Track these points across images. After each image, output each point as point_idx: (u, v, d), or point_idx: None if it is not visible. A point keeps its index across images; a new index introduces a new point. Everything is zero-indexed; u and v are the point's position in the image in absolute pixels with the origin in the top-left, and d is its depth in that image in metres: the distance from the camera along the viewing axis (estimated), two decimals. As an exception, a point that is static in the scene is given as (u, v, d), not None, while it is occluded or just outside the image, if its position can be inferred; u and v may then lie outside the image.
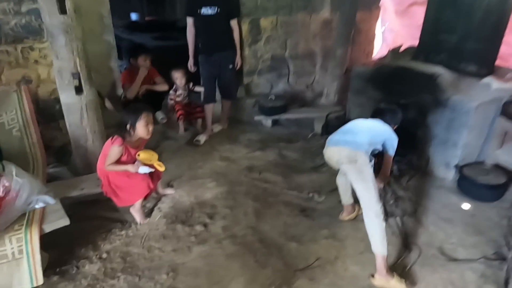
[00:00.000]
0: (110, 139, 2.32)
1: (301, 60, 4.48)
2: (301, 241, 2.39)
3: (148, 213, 2.63)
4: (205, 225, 2.53)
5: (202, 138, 3.63)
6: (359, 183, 2.12)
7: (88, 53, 2.60)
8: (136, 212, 2.50)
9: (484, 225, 2.47)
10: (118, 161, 2.32)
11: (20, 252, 1.90)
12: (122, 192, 2.40)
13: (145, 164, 2.39)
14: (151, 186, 2.45)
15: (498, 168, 2.76)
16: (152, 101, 3.71)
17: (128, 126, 2.26)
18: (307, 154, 3.50)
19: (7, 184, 2.04)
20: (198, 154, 3.44)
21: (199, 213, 2.64)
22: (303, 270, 2.15)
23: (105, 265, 2.17)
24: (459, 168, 2.77)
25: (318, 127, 3.90)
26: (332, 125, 3.63)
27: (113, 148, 2.26)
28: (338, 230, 2.48)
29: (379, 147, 2.36)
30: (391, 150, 2.37)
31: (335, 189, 2.64)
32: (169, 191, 2.82)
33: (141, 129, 2.27)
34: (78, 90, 2.50)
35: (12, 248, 1.89)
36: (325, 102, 4.32)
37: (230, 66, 3.67)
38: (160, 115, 3.82)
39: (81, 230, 2.40)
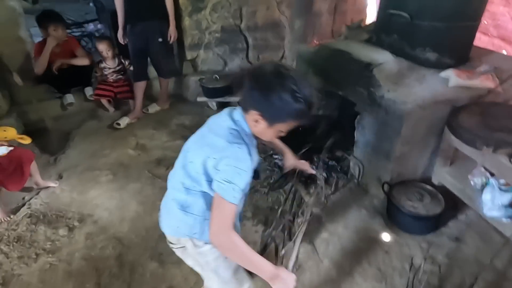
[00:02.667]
0: None
1: (263, 32, 3.83)
2: (165, 262, 2.00)
3: (18, 208, 2.37)
4: (70, 229, 2.22)
5: (124, 121, 3.26)
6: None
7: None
8: None
9: (395, 266, 1.92)
10: None
11: None
12: None
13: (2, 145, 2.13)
14: None
15: (440, 191, 2.13)
16: (78, 76, 3.38)
17: None
18: None
19: None
20: (111, 139, 3.08)
21: (73, 214, 2.33)
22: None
23: None
24: (389, 187, 2.18)
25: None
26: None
27: None
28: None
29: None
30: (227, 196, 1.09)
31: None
32: (51, 183, 2.53)
33: None
34: None
35: None
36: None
37: (160, 39, 3.17)
38: (89, 91, 3.47)
39: None
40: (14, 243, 2.13)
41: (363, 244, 2.06)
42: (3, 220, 2.25)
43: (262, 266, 1.11)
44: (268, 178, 2.59)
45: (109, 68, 3.35)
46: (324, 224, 2.20)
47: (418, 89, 2.11)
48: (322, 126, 2.78)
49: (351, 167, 2.57)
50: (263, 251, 2.02)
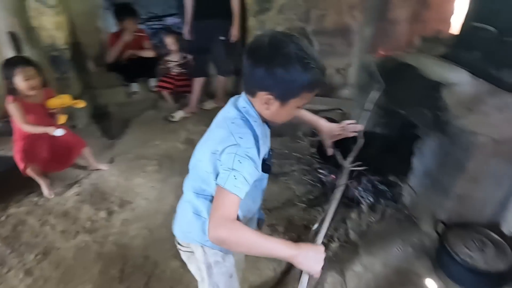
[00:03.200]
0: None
1: (330, 37, 3.62)
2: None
3: (70, 185, 2.56)
4: (110, 213, 2.33)
5: (179, 114, 3.34)
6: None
7: (72, 10, 2.52)
8: (41, 183, 2.43)
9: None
10: (30, 121, 2.26)
11: None
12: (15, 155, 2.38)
13: (60, 108, 2.35)
14: (24, 166, 2.33)
15: (509, 244, 1.77)
16: (143, 67, 3.56)
17: (9, 82, 2.17)
18: (287, 154, 2.90)
19: None
20: (163, 131, 3.19)
21: (115, 198, 2.45)
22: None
23: (-6, 228, 2.20)
24: (444, 227, 1.88)
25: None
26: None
27: (9, 107, 2.21)
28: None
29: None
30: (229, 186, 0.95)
31: (279, 207, 2.12)
32: (103, 166, 2.69)
33: (20, 84, 2.17)
34: (17, 50, 2.45)
35: None
36: (349, 94, 3.49)
37: (222, 38, 3.19)
38: (152, 82, 3.64)
39: (8, 186, 2.47)
40: (61, 217, 2.31)
41: (402, 288, 1.81)
42: (48, 196, 2.44)
43: (279, 250, 0.95)
44: (308, 193, 2.43)
45: (173, 62, 3.47)
46: (360, 255, 1.98)
47: (497, 118, 1.77)
48: (377, 145, 2.52)
49: (403, 195, 2.28)
50: (286, 271, 1.89)
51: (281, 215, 2.27)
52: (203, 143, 1.13)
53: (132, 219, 2.28)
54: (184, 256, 1.32)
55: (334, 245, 2.04)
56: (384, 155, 2.51)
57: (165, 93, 3.54)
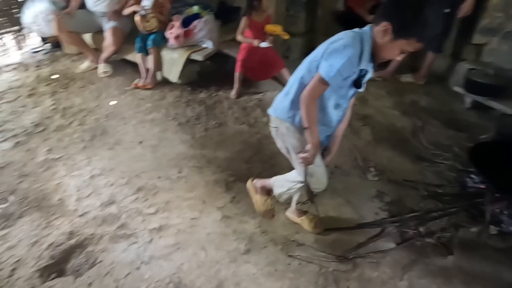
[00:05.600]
0: None
1: None
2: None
3: (257, 93, 3.31)
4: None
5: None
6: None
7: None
8: (235, 87, 3.26)
9: None
10: (249, 35, 3.03)
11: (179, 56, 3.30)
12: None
13: (271, 35, 3.00)
14: (239, 69, 3.16)
15: None
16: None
17: (254, 3, 2.90)
18: (447, 147, 2.57)
19: (196, 23, 3.35)
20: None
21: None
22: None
23: (207, 110, 3.25)
24: None
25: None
26: None
27: (242, 20, 3.00)
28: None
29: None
30: (323, 70, 1.36)
31: (399, 183, 2.26)
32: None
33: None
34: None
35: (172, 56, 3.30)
36: None
37: (448, 10, 2.94)
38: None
39: (225, 79, 3.48)
40: (241, 110, 3.10)
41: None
42: (232, 97, 3.25)
43: (313, 135, 1.47)
44: (438, 188, 2.22)
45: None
46: (446, 261, 1.77)
47: None
48: None
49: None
50: (361, 226, 1.96)
51: (396, 191, 2.23)
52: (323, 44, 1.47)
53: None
54: (273, 132, 1.72)
55: (428, 240, 1.89)
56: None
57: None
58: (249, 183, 2.04)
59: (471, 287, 1.64)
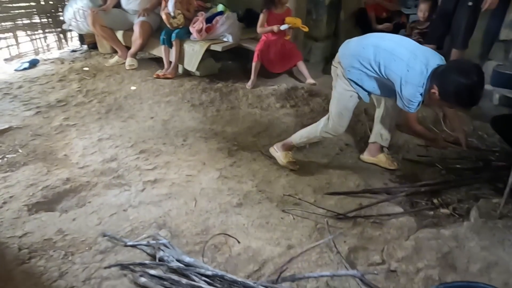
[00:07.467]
0: None
1: None
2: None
3: (273, 84, 3.30)
4: (282, 106, 2.90)
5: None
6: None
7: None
8: (252, 78, 3.26)
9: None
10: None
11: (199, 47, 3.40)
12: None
13: (290, 28, 3.09)
14: (256, 60, 3.19)
15: None
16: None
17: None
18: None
19: (218, 18, 3.48)
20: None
21: (297, 99, 2.98)
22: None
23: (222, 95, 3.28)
24: None
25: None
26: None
27: (261, 14, 3.10)
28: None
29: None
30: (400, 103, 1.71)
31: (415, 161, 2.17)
32: (310, 80, 3.24)
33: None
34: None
35: (194, 47, 3.41)
36: None
37: (470, 3, 2.85)
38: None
39: (242, 71, 3.52)
40: (255, 97, 3.08)
41: None
42: (247, 87, 3.23)
43: None
44: (458, 163, 2.03)
45: (418, 28, 3.45)
46: (461, 228, 1.55)
47: None
48: None
49: None
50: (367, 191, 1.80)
51: (410, 168, 2.06)
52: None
53: (291, 113, 2.76)
54: (332, 70, 1.96)
55: (443, 210, 1.70)
56: None
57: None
58: (271, 149, 2.15)
59: (490, 251, 1.41)
